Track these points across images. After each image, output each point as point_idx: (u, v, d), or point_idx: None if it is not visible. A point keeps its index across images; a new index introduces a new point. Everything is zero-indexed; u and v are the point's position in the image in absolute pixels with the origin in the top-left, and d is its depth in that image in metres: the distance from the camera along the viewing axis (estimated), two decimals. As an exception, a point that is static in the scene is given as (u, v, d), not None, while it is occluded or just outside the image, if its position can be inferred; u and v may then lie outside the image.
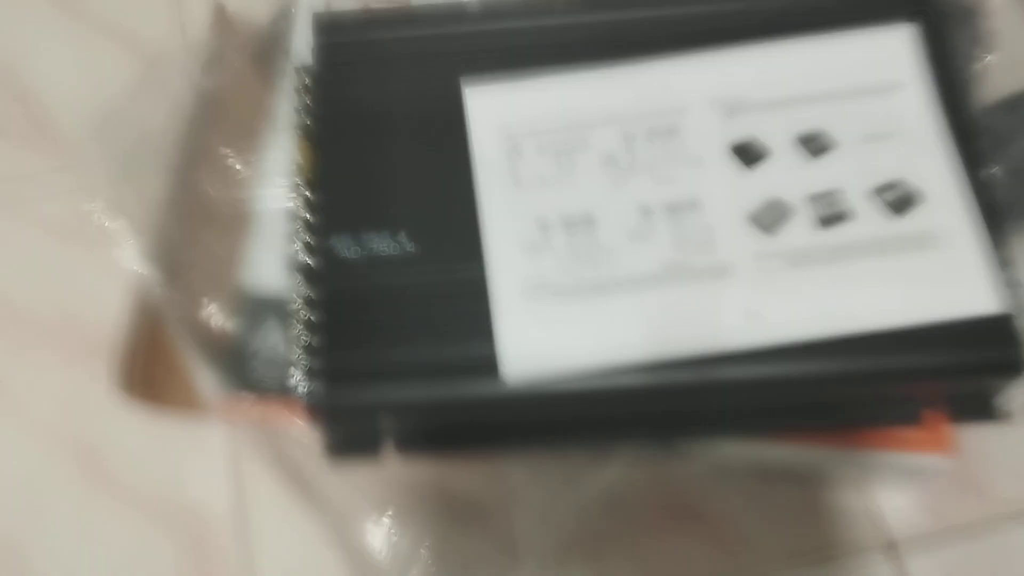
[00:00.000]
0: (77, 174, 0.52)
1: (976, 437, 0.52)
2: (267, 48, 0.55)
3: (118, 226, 0.51)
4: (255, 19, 0.56)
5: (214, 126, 0.54)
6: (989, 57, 0.52)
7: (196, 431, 0.53)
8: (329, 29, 0.51)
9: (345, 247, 0.46)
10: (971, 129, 0.46)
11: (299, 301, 0.46)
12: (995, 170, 0.50)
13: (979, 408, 0.46)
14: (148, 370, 0.52)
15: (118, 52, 0.64)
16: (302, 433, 0.47)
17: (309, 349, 0.44)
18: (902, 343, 0.43)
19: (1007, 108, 0.50)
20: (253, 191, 0.51)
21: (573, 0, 0.53)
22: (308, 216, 0.47)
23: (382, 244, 0.46)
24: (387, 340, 0.44)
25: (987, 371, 0.44)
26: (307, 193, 0.47)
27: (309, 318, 0.45)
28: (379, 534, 0.49)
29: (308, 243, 0.46)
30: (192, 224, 0.52)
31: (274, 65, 0.54)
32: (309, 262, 0.46)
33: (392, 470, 0.47)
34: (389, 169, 0.48)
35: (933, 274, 0.44)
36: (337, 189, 0.47)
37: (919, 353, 0.43)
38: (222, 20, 0.56)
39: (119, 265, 0.51)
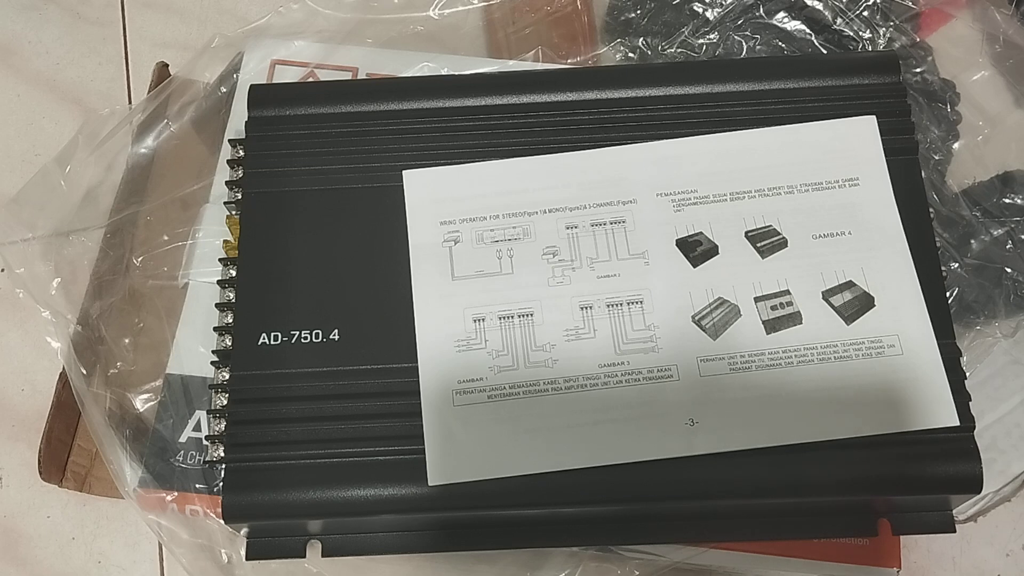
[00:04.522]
0: (3, 241, 0.50)
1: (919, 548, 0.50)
2: (209, 114, 0.53)
3: (44, 303, 0.49)
4: (200, 82, 0.54)
5: (149, 195, 0.52)
6: (956, 144, 0.50)
7: (121, 517, 0.51)
8: (265, 101, 0.49)
9: (271, 341, 0.44)
10: (929, 228, 0.44)
11: (223, 396, 0.44)
12: (957, 266, 0.48)
13: (928, 520, 0.44)
14: (73, 456, 0.50)
15: (59, 110, 0.61)
16: (226, 528, 0.44)
17: (231, 447, 0.42)
18: (856, 454, 0.41)
19: (971, 199, 0.48)
20: (184, 269, 0.49)
21: (522, 76, 0.51)
22: (234, 304, 0.45)
23: (309, 338, 0.44)
24: (312, 440, 0.42)
25: (946, 485, 0.42)
26: (233, 274, 0.45)
27: (232, 415, 0.43)
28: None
29: (234, 335, 0.44)
30: (120, 305, 0.49)
31: (215, 132, 0.52)
32: (234, 355, 0.44)
33: (319, 567, 0.45)
34: (319, 254, 0.45)
35: (886, 384, 0.42)
36: (264, 277, 0.45)
37: (872, 466, 0.41)
38: (164, 82, 0.54)
39: (48, 342, 0.49)
